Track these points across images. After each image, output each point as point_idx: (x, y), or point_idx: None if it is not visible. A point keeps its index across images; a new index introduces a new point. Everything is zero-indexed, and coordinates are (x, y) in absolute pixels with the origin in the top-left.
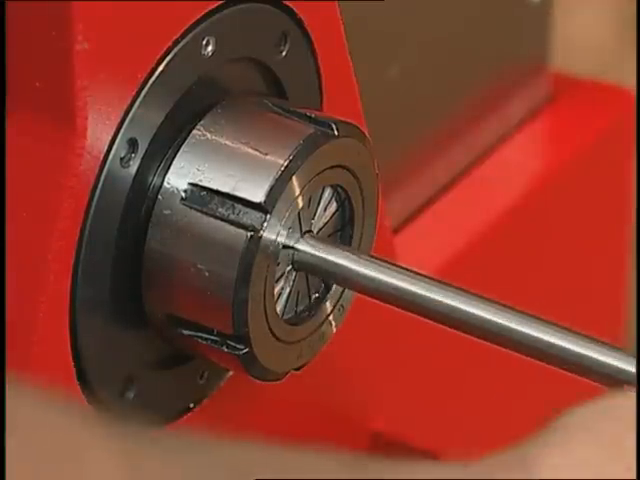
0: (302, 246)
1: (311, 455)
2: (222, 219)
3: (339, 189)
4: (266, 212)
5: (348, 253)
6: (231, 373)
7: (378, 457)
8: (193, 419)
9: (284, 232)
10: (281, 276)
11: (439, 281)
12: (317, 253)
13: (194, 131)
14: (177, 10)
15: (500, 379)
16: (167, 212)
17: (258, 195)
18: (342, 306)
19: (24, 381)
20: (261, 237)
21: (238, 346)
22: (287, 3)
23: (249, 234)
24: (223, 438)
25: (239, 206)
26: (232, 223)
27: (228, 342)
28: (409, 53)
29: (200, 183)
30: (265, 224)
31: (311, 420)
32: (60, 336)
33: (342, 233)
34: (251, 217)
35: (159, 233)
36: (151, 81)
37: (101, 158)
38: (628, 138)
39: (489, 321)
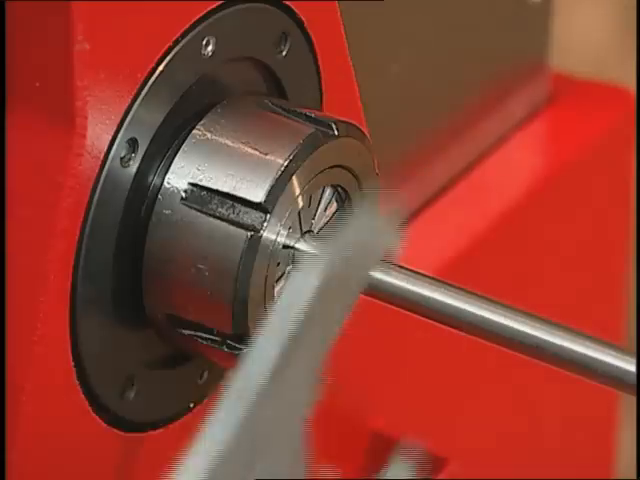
0: (302, 246)
1: None
2: (222, 219)
3: (339, 189)
4: (266, 212)
5: None
6: None
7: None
8: (193, 419)
9: (284, 232)
10: (281, 276)
11: (440, 281)
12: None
13: (194, 131)
14: (177, 10)
15: (501, 378)
16: (167, 212)
17: (258, 195)
18: None
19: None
20: (261, 237)
21: (238, 346)
22: (287, 3)
23: (249, 234)
24: None
25: (239, 206)
26: (232, 223)
27: (228, 342)
28: (409, 53)
29: (200, 183)
30: (265, 224)
31: (311, 420)
32: (60, 336)
33: None
34: (251, 217)
35: (159, 233)
36: (151, 81)
37: (101, 158)
38: (628, 138)
39: (489, 320)
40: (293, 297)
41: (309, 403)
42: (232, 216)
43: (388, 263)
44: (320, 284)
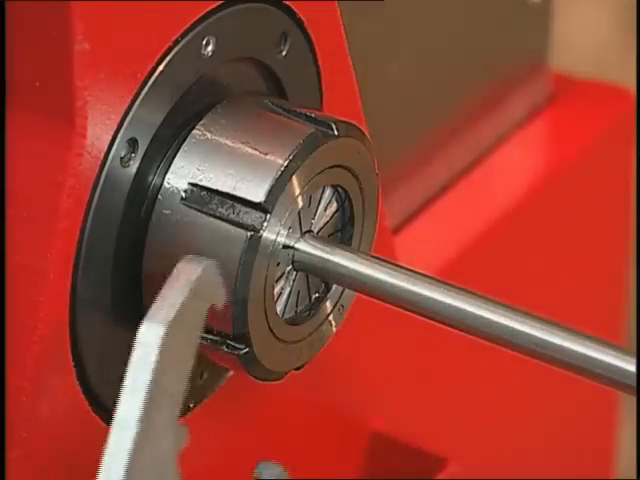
0: (302, 246)
1: None
2: (222, 219)
3: (339, 189)
4: (266, 212)
5: (348, 253)
6: (231, 373)
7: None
8: (193, 419)
9: (284, 232)
10: (281, 276)
11: (439, 281)
12: (317, 253)
13: (194, 131)
14: (177, 10)
15: (501, 378)
16: (167, 212)
17: (258, 195)
18: (342, 306)
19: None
20: (261, 237)
21: (238, 346)
22: (287, 3)
23: (249, 234)
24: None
25: (239, 206)
26: (232, 223)
27: (228, 342)
28: (409, 53)
29: (200, 183)
30: (265, 224)
31: (311, 420)
32: (60, 336)
33: (342, 233)
34: (251, 217)
35: (159, 233)
36: (151, 81)
37: (101, 158)
38: (628, 138)
39: (489, 320)
40: (144, 350)
41: (176, 450)
42: (232, 216)
43: (387, 262)
44: (166, 332)
